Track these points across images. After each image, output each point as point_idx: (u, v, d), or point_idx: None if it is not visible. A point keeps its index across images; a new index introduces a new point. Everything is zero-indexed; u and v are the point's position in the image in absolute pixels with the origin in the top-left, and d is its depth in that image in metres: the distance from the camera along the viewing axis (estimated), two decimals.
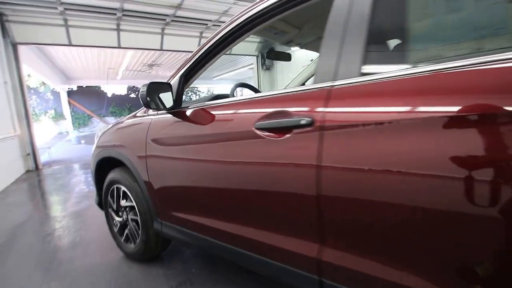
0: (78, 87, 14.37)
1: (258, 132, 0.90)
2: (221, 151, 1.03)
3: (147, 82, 1.15)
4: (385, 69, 0.72)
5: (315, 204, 0.78)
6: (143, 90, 1.14)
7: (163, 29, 5.45)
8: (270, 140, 0.87)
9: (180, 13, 4.84)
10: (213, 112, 1.11)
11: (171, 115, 1.26)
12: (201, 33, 5.81)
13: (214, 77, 12.23)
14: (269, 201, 0.91)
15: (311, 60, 1.79)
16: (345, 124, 0.72)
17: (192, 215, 1.21)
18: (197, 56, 1.19)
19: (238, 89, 1.59)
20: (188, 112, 1.20)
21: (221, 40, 1.12)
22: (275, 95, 0.93)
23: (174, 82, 1.25)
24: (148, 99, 1.15)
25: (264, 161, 0.90)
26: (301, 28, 1.34)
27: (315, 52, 2.41)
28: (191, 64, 1.21)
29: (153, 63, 9.08)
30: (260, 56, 6.55)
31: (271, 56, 1.62)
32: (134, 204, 1.51)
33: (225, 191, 1.06)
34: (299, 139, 0.80)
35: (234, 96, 1.28)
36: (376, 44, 0.77)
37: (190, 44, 5.90)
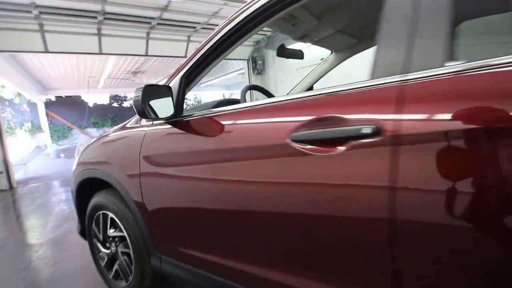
0: (56, 97, 13.76)
1: (296, 145, 0.68)
2: (242, 170, 0.80)
3: (142, 85, 0.91)
4: (484, 55, 0.52)
5: (387, 240, 0.57)
6: (137, 95, 0.90)
7: (148, 33, 5.18)
8: (315, 156, 0.65)
9: (166, 15, 4.58)
10: (227, 122, 0.88)
11: (171, 126, 1.02)
12: (189, 37, 5.56)
13: (201, 84, 11.95)
14: (317, 237, 0.69)
15: (322, 59, 1.61)
16: (434, 132, 0.51)
17: (203, 252, 0.97)
18: (202, 52, 0.96)
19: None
20: (194, 122, 0.96)
21: (234, 31, 0.90)
22: (314, 97, 0.71)
23: (174, 84, 1.01)
24: (144, 106, 0.91)
25: (307, 182, 0.68)
26: (321, 19, 1.15)
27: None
28: (194, 62, 0.98)
29: (138, 70, 8.72)
30: (251, 60, 6.35)
31: (282, 53, 1.42)
32: (125, 234, 1.25)
33: (253, 221, 0.82)
34: (360, 153, 0.59)
35: (245, 101, 1.06)
36: (470, 19, 0.57)
37: (177, 48, 5.65)
